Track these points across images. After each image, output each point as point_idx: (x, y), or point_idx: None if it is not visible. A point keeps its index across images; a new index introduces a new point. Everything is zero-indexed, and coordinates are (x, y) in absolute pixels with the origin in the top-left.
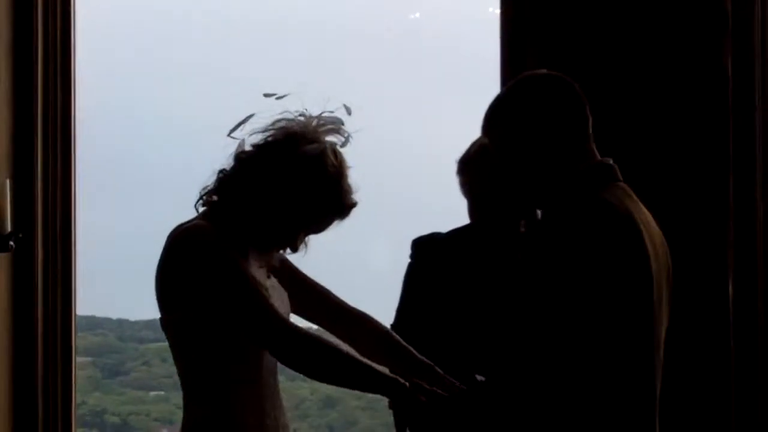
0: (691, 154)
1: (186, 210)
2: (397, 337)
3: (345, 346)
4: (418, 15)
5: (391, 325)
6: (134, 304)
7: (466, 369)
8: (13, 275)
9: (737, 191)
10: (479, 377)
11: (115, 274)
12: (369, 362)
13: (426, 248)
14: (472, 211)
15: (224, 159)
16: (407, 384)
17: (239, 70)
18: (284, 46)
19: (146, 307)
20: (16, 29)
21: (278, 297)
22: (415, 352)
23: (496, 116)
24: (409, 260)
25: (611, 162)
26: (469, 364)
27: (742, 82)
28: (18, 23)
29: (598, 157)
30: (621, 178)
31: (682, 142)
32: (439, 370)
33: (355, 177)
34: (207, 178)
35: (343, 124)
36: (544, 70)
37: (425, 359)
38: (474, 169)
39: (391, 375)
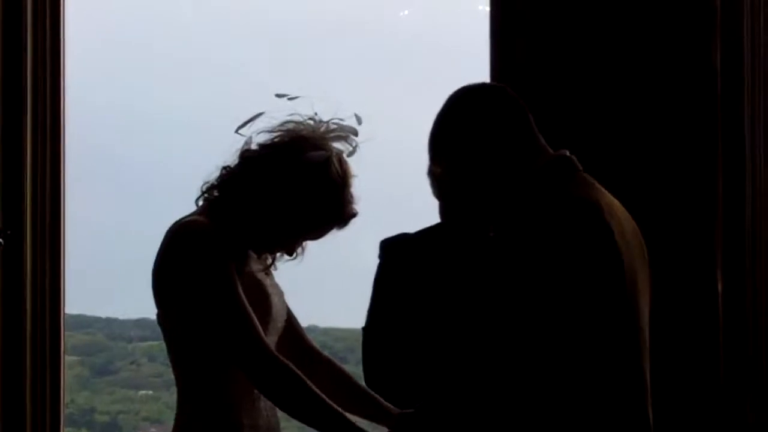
0: (679, 150)
1: (178, 209)
2: (363, 385)
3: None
4: (407, 12)
5: (363, 328)
6: (123, 303)
7: (437, 369)
8: (2, 272)
9: (726, 187)
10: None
11: (104, 273)
12: (339, 409)
13: (394, 249)
14: (442, 212)
15: (229, 155)
16: None
17: (232, 67)
18: (275, 44)
19: (135, 306)
20: (4, 23)
21: (277, 295)
22: (381, 399)
23: (439, 143)
24: (378, 261)
25: (568, 153)
26: (440, 364)
27: (730, 78)
28: (7, 16)
29: (551, 152)
30: (581, 168)
31: (670, 139)
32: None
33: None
34: (209, 173)
35: (354, 132)
36: (467, 85)
37: (390, 407)
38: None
39: (355, 425)
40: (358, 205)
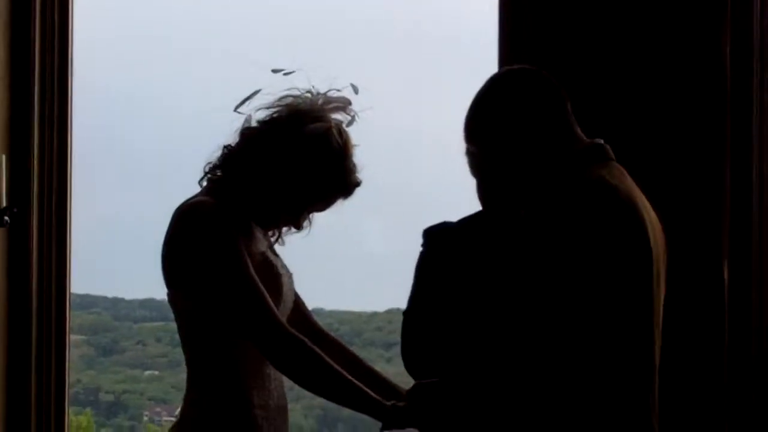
0: (687, 139)
1: (185, 190)
2: (368, 364)
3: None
4: None
5: (404, 313)
6: (130, 283)
7: (477, 358)
8: (8, 251)
9: (734, 176)
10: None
11: (111, 254)
12: (356, 381)
13: (438, 237)
14: (481, 193)
15: (230, 135)
16: (389, 405)
17: (241, 53)
18: (285, 29)
19: (142, 286)
20: (13, 7)
21: (287, 275)
22: (385, 376)
23: (477, 124)
24: (421, 249)
25: (602, 142)
26: (480, 352)
27: (739, 68)
28: (16, 3)
29: (587, 140)
30: (614, 157)
31: (678, 129)
32: None
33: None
34: (212, 153)
35: (350, 103)
36: (515, 66)
37: (395, 384)
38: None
39: (375, 396)
40: (361, 174)
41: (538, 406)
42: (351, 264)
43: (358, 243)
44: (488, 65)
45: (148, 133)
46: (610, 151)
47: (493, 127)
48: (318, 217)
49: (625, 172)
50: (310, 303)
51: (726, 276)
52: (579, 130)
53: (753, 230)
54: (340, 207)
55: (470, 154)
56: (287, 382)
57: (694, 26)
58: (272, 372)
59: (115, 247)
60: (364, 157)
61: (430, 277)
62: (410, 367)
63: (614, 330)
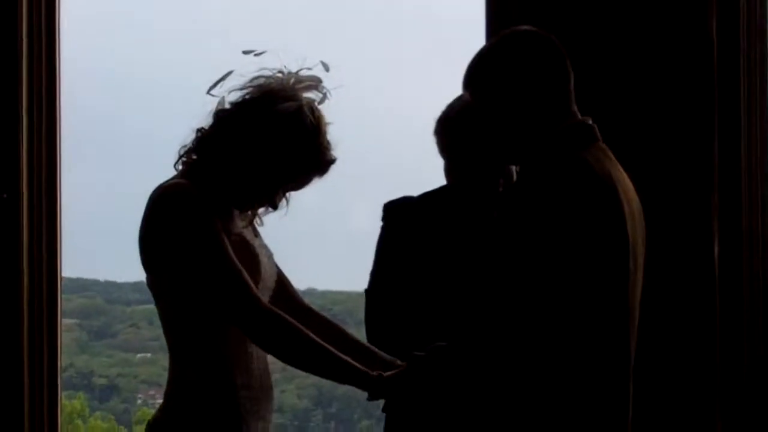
0: (676, 117)
1: (173, 171)
2: (357, 337)
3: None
4: None
5: (365, 290)
6: (122, 266)
7: (440, 333)
8: None
9: (722, 153)
10: (417, 353)
11: (102, 237)
12: (339, 353)
13: (398, 212)
14: (450, 171)
15: (204, 117)
16: (375, 375)
17: (224, 32)
18: (270, 11)
19: (134, 269)
20: None
21: (266, 255)
22: (376, 350)
23: (478, 71)
24: (381, 224)
25: (591, 122)
26: (443, 328)
27: (726, 46)
28: None
29: (579, 117)
30: (600, 138)
31: (666, 110)
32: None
33: (336, 139)
34: (186, 136)
35: (321, 81)
36: (527, 27)
37: (386, 356)
38: (453, 129)
39: (361, 367)
40: (335, 151)
41: (510, 386)
42: (343, 245)
43: (351, 224)
44: (474, 47)
45: (139, 117)
46: (597, 132)
47: (495, 77)
48: (304, 195)
49: (610, 153)
50: (303, 284)
51: (716, 254)
52: (575, 107)
53: (743, 208)
54: (327, 186)
55: (438, 134)
56: (278, 363)
57: (681, 10)
58: (255, 352)
59: (107, 230)
60: (352, 136)
61: (390, 252)
62: (374, 343)
63: (586, 312)
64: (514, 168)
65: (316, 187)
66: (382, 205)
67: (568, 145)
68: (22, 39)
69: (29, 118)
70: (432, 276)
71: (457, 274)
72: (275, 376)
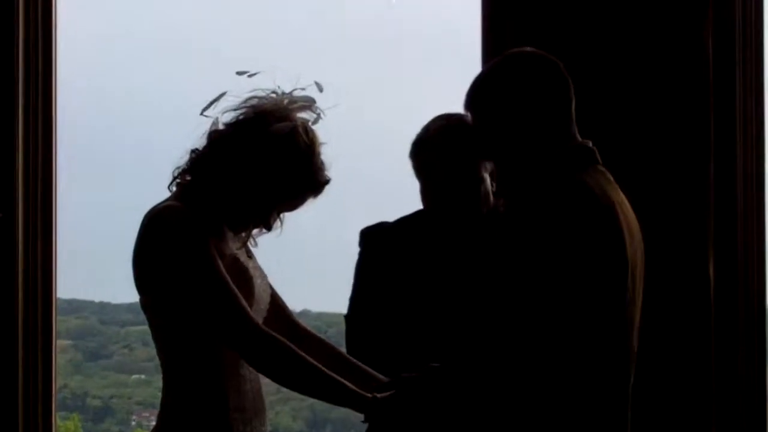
0: (671, 135)
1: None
2: (353, 359)
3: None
4: None
5: (345, 316)
6: (116, 288)
7: (420, 357)
8: None
9: (718, 172)
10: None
11: (97, 258)
12: (332, 374)
13: (375, 237)
14: (426, 194)
15: (198, 138)
16: (369, 397)
17: (222, 50)
18: (266, 26)
19: (128, 291)
20: None
21: (260, 277)
22: (372, 371)
23: (480, 92)
24: (358, 250)
25: (591, 144)
26: (424, 352)
27: (722, 62)
28: None
29: (579, 139)
30: (600, 161)
31: (661, 122)
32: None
33: (333, 159)
34: (180, 158)
35: (315, 101)
36: (530, 48)
37: (382, 377)
38: (429, 151)
39: (356, 389)
40: (330, 172)
41: (506, 407)
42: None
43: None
44: (470, 68)
45: (135, 137)
46: (597, 154)
47: (497, 98)
48: (305, 219)
49: (609, 176)
50: (297, 306)
51: (711, 274)
52: (575, 129)
53: (738, 227)
54: (327, 210)
55: (415, 157)
56: (273, 385)
57: (676, 20)
58: (248, 374)
59: (102, 251)
60: (350, 157)
61: (368, 277)
62: None
63: (584, 333)
64: (491, 189)
65: (312, 207)
66: (359, 231)
67: (567, 167)
68: (18, 57)
69: (25, 137)
70: (410, 300)
71: (435, 297)
72: (270, 398)
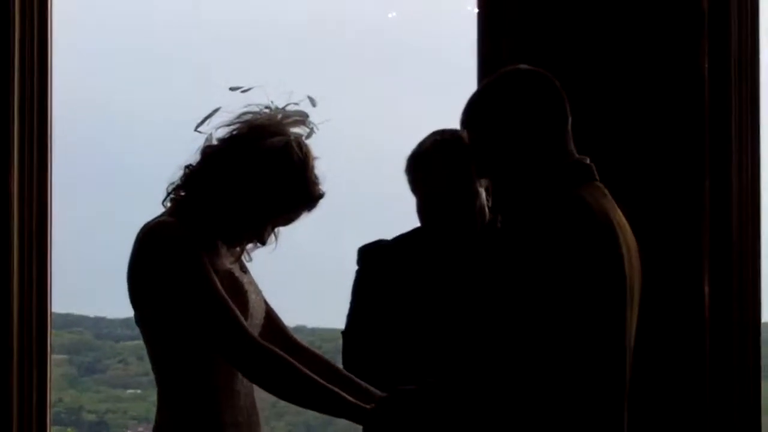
0: (666, 154)
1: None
2: (348, 373)
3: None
4: (395, 14)
5: (342, 332)
6: (111, 302)
7: (417, 374)
8: None
9: (713, 191)
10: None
11: (92, 272)
12: (330, 386)
13: (373, 255)
14: (422, 208)
15: (191, 154)
16: (369, 408)
17: (218, 68)
18: (262, 45)
19: (123, 305)
20: None
21: (254, 292)
22: (367, 386)
23: (476, 109)
24: (356, 267)
25: (588, 161)
26: (421, 369)
27: (718, 83)
28: None
29: (576, 155)
30: (598, 178)
31: (657, 143)
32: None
33: (330, 175)
34: (174, 173)
35: (308, 116)
36: (526, 66)
37: (377, 392)
38: (425, 166)
39: (354, 400)
40: (324, 186)
41: (502, 423)
42: (333, 281)
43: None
44: (466, 83)
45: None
46: (595, 171)
47: (493, 115)
48: (301, 235)
49: (606, 192)
50: (292, 321)
51: (706, 291)
52: (572, 146)
53: (733, 244)
54: (322, 225)
55: (411, 172)
56: (268, 400)
57: (672, 39)
58: (242, 389)
59: (97, 266)
60: (344, 173)
61: (366, 295)
62: None
63: (581, 350)
64: (486, 204)
65: (307, 223)
66: (357, 248)
67: (565, 183)
68: (13, 73)
69: (20, 153)
70: (407, 318)
71: (432, 315)
72: (265, 413)
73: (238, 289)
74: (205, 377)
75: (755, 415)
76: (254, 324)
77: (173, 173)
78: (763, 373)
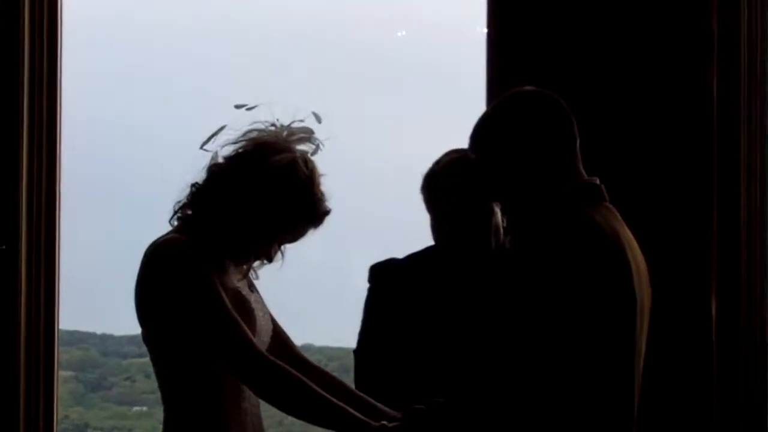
0: (675, 174)
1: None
2: (356, 391)
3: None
4: (404, 33)
5: (354, 351)
6: (118, 319)
7: (429, 393)
8: None
9: (721, 210)
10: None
11: (99, 289)
12: (340, 403)
13: (385, 273)
14: (436, 227)
15: (198, 172)
16: (377, 426)
17: (226, 84)
18: (269, 60)
19: (130, 322)
20: (1, 38)
21: (261, 310)
22: (375, 403)
23: (484, 133)
24: (368, 286)
25: (598, 182)
26: (432, 388)
27: (727, 105)
28: (3, 31)
29: (585, 177)
30: (607, 198)
31: (667, 164)
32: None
33: (339, 193)
34: (180, 192)
35: (313, 133)
36: (532, 87)
37: (385, 408)
38: (440, 185)
39: (362, 417)
40: (330, 202)
41: None
42: (341, 300)
43: (348, 279)
44: (475, 100)
45: (140, 170)
46: (605, 192)
47: (501, 138)
48: (304, 249)
49: (616, 213)
50: (300, 339)
51: (714, 311)
52: (581, 167)
53: (741, 265)
54: (329, 241)
55: (427, 190)
56: (274, 418)
57: (681, 62)
58: (249, 407)
59: (104, 283)
60: (355, 189)
61: (377, 313)
62: None
63: (592, 369)
64: (501, 224)
65: (315, 241)
66: (369, 267)
67: (575, 204)
68: (23, 87)
69: (29, 169)
70: (419, 336)
71: (445, 334)
72: (271, 431)
73: (246, 308)
74: (211, 395)
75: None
76: (261, 342)
77: (180, 191)
78: None
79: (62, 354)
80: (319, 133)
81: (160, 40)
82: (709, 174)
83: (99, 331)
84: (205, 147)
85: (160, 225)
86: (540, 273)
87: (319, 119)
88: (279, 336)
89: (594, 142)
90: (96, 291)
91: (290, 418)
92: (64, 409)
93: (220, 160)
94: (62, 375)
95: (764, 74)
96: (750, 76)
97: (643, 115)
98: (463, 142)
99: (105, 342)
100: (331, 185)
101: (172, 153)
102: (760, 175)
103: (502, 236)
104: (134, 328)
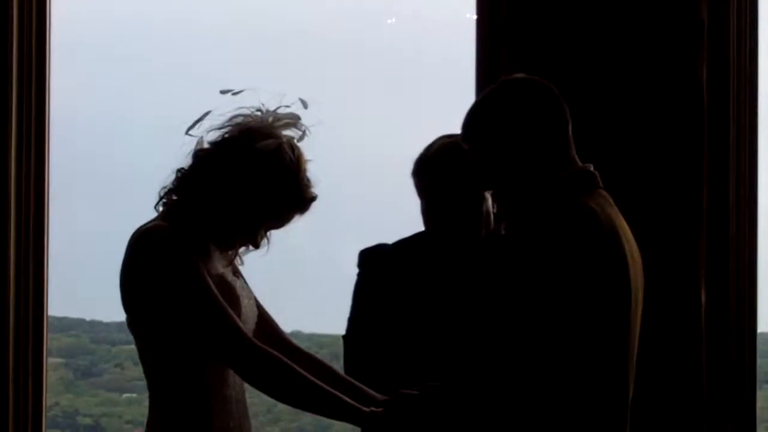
0: (665, 162)
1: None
2: (345, 375)
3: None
4: (393, 20)
5: (343, 336)
6: (108, 306)
7: (419, 378)
8: None
9: (710, 198)
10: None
11: (88, 276)
12: (329, 388)
13: (374, 258)
14: (426, 212)
15: (184, 158)
16: (367, 411)
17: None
18: (258, 49)
19: (120, 309)
20: None
21: (247, 296)
22: (365, 388)
23: (476, 122)
24: (357, 271)
25: (592, 169)
26: (422, 373)
27: (716, 92)
28: None
29: (580, 164)
30: (602, 186)
31: (656, 151)
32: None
33: (327, 181)
34: (166, 177)
35: (299, 118)
36: (523, 74)
37: (375, 393)
38: (431, 169)
39: (353, 403)
40: (316, 189)
41: (504, 428)
42: (329, 287)
43: (337, 265)
44: (465, 88)
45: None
46: (599, 179)
47: (493, 127)
48: (293, 237)
49: (610, 200)
50: (288, 326)
51: (703, 299)
52: (574, 153)
53: (730, 253)
54: (319, 230)
55: (418, 176)
56: (263, 405)
57: (671, 49)
58: (233, 393)
59: (93, 270)
60: (344, 175)
61: (367, 298)
62: None
63: (586, 356)
64: (492, 210)
65: (304, 228)
66: (358, 252)
67: (570, 191)
68: (11, 78)
69: (18, 157)
70: (409, 321)
71: (434, 319)
72: (260, 419)
73: (231, 294)
74: (195, 381)
75: (751, 424)
76: (246, 328)
77: (166, 177)
78: (758, 382)
79: (51, 341)
80: (306, 119)
81: (148, 34)
82: (698, 162)
83: (88, 317)
84: (190, 132)
85: (149, 211)
86: (536, 260)
87: (305, 105)
88: (266, 321)
89: (583, 131)
90: (85, 278)
91: (280, 405)
92: (54, 395)
93: (206, 145)
94: (51, 362)
95: (753, 63)
96: (739, 65)
97: (632, 103)
98: (452, 127)
99: (94, 329)
100: (319, 172)
101: (162, 141)
102: (749, 164)
103: (492, 222)
104: (124, 315)
